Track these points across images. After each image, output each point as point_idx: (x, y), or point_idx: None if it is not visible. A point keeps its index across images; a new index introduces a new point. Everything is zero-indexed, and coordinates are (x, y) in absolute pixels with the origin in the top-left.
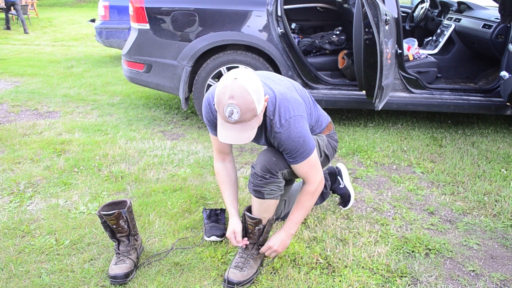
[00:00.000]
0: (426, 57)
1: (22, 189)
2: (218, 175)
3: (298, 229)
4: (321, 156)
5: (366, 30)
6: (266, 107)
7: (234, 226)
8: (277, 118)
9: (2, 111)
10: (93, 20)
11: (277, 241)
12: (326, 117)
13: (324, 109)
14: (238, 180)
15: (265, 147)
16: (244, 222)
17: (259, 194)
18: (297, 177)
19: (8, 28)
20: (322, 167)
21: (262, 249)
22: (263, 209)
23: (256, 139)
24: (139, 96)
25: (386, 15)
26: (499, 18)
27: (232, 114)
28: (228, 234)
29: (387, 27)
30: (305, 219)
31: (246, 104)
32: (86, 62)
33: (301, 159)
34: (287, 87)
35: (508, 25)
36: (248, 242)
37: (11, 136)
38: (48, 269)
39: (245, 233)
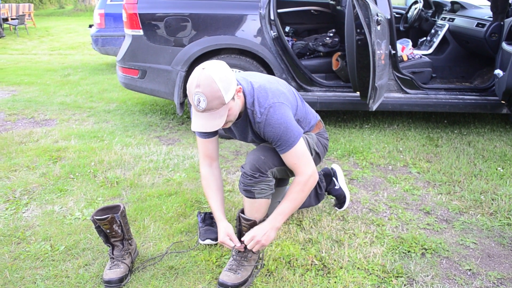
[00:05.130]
0: (421, 57)
1: (18, 196)
2: (205, 180)
3: (284, 222)
4: (312, 155)
5: (358, 31)
6: (246, 100)
7: (226, 229)
8: (257, 107)
9: None
10: (91, 26)
11: (260, 231)
12: (314, 115)
13: (319, 111)
14: (233, 183)
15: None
16: (238, 224)
17: (250, 194)
18: (288, 176)
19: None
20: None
21: (245, 239)
22: (255, 209)
23: (243, 136)
24: (135, 103)
25: (377, 15)
26: (492, 16)
27: (199, 102)
28: (221, 238)
29: (379, 28)
30: (300, 220)
31: (212, 92)
32: (82, 70)
33: (287, 148)
34: (268, 80)
35: (501, 23)
36: (244, 245)
37: (8, 144)
38: (43, 275)
39: (239, 235)
